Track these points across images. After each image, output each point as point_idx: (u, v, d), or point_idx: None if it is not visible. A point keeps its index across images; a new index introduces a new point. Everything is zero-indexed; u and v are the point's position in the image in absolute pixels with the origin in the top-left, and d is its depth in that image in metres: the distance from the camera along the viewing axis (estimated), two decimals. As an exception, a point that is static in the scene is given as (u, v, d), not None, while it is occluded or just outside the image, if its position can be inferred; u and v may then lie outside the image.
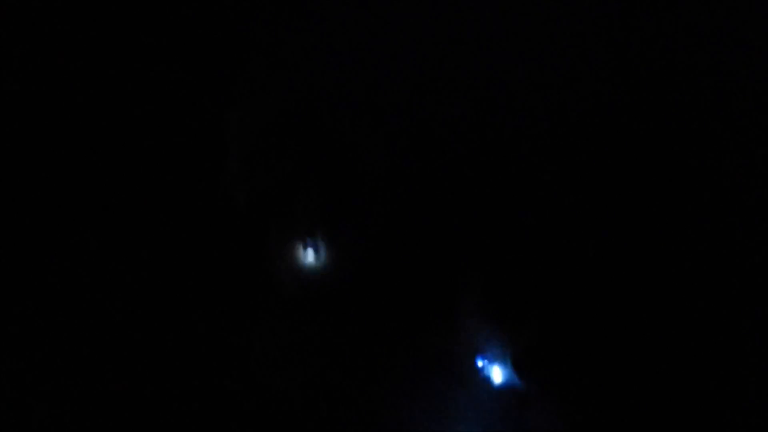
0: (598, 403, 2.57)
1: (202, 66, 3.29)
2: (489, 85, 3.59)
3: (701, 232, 3.22)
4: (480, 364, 2.44)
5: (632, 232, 3.41)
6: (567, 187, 3.48)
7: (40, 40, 3.54)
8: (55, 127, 3.26)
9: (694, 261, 3.32)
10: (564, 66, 3.82)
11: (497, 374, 2.42)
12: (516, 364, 2.44)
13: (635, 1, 4.09)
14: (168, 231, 2.93)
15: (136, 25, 3.55)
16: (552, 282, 2.81)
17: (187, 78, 3.28)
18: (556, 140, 3.51)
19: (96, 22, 3.62)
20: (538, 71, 3.79)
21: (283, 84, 3.11)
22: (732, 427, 2.55)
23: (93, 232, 2.99)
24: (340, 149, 2.61)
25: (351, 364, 2.58)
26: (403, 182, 2.91)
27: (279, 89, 2.80)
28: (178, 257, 2.83)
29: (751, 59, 3.92)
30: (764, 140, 3.58)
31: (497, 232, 2.89)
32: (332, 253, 2.56)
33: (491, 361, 2.43)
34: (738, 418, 2.56)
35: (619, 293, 3.04)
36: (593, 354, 2.66)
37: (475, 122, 3.49)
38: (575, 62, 3.86)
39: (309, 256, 2.47)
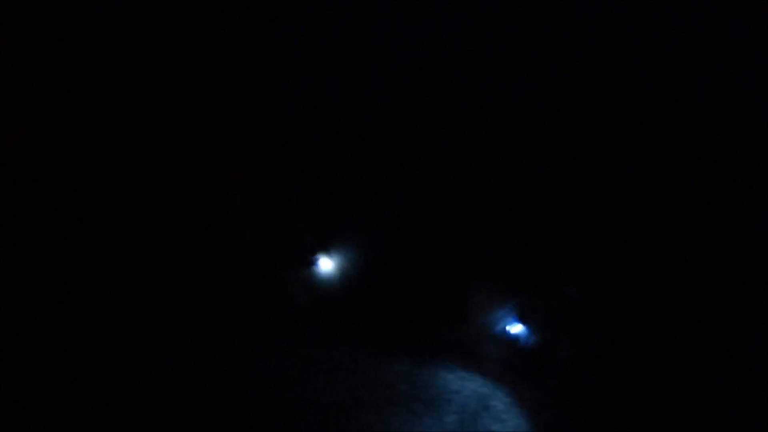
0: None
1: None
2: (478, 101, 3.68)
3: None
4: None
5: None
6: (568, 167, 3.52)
7: (51, 90, 3.79)
8: (58, 167, 3.36)
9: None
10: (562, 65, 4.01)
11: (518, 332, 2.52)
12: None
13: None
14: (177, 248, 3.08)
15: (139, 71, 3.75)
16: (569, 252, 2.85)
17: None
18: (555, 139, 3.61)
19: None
20: (537, 70, 4.00)
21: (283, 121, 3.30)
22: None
23: (99, 233, 3.15)
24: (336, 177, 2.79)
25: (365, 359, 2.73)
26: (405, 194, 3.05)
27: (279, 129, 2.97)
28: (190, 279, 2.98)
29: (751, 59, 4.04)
30: (763, 140, 3.57)
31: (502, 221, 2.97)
32: (339, 264, 2.74)
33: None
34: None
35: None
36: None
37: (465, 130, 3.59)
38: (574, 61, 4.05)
39: (317, 269, 2.65)
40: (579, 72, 3.79)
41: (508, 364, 2.64)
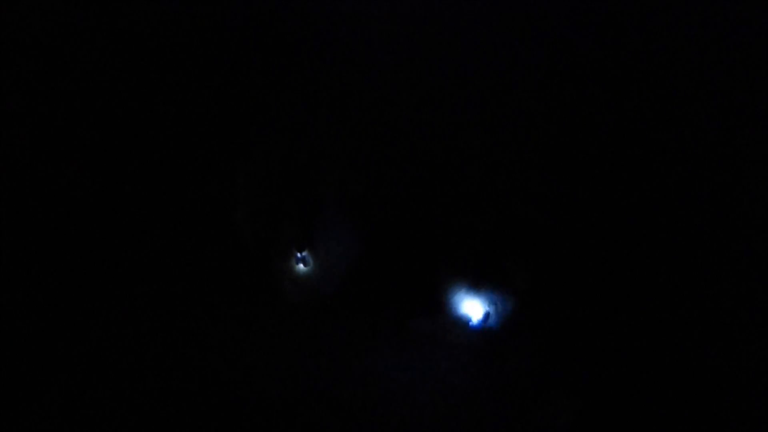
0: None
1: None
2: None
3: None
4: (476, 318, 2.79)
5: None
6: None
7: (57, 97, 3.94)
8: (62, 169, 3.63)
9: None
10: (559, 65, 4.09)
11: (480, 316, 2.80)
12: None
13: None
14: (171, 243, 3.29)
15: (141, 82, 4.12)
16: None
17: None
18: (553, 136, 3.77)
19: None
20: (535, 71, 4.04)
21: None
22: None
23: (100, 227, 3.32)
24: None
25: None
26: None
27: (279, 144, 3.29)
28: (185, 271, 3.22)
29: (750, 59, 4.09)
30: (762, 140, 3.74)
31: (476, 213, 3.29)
32: (321, 259, 3.03)
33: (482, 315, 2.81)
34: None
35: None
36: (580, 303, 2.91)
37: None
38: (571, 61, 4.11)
39: (301, 264, 2.94)
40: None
41: (474, 348, 2.91)
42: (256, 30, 4.22)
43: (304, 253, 2.94)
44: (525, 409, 2.65)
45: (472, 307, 2.75)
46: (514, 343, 2.76)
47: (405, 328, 3.05)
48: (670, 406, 2.73)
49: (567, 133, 3.82)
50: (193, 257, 3.30)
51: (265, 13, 4.31)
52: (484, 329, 2.78)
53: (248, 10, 4.38)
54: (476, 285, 2.78)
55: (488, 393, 2.75)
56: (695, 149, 3.72)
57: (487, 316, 2.72)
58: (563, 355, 2.76)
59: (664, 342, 2.94)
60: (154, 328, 2.99)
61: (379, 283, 3.11)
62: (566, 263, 2.99)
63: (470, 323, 2.74)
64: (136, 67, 4.06)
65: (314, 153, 3.21)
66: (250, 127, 3.63)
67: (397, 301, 3.09)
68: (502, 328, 2.76)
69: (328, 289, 3.00)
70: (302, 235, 2.95)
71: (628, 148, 3.74)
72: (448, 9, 4.26)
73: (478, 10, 4.27)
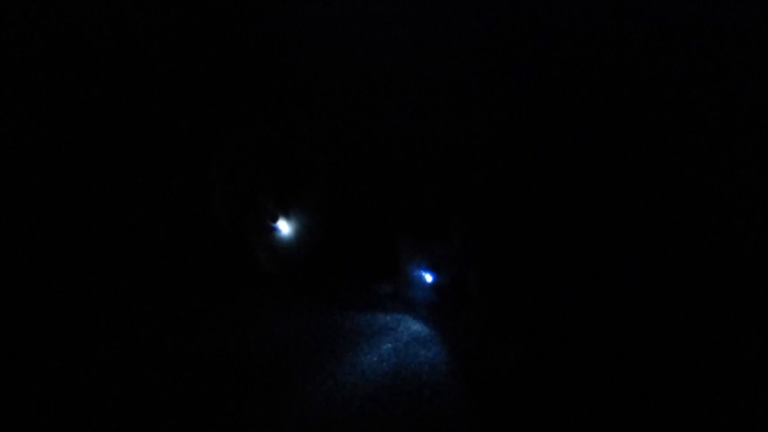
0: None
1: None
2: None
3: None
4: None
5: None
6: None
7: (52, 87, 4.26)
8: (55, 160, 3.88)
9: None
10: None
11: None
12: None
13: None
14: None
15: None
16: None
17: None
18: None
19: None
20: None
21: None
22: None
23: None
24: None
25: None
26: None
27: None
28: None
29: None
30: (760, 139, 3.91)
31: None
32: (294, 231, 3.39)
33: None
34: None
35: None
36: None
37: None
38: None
39: (279, 237, 3.30)
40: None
41: (431, 306, 3.30)
42: (230, 18, 4.60)
43: (276, 224, 3.30)
44: (475, 353, 3.02)
45: (428, 270, 3.13)
46: (461, 298, 3.15)
47: (370, 289, 3.45)
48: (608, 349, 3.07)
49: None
50: (171, 237, 3.63)
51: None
52: (438, 287, 3.16)
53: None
54: (429, 249, 3.16)
55: (444, 337, 3.13)
56: (694, 148, 4.03)
57: (439, 276, 3.11)
58: (508, 306, 3.14)
59: (610, 281, 3.30)
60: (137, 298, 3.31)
61: (344, 251, 3.49)
62: (516, 221, 3.40)
63: (426, 282, 3.13)
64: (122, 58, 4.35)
65: (288, 136, 3.59)
66: (228, 112, 4.01)
67: (362, 266, 3.48)
68: (451, 285, 3.15)
69: (300, 257, 3.36)
70: (276, 207, 3.30)
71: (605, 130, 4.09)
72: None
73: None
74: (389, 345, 3.19)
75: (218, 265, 3.53)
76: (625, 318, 3.23)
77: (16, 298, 3.20)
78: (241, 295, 3.41)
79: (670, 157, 4.02)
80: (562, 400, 2.89)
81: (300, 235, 3.35)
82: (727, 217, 3.66)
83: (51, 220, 3.64)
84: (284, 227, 3.31)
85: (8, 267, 3.36)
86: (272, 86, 4.35)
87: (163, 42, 4.72)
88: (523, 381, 2.99)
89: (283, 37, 4.56)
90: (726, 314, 3.21)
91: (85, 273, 3.40)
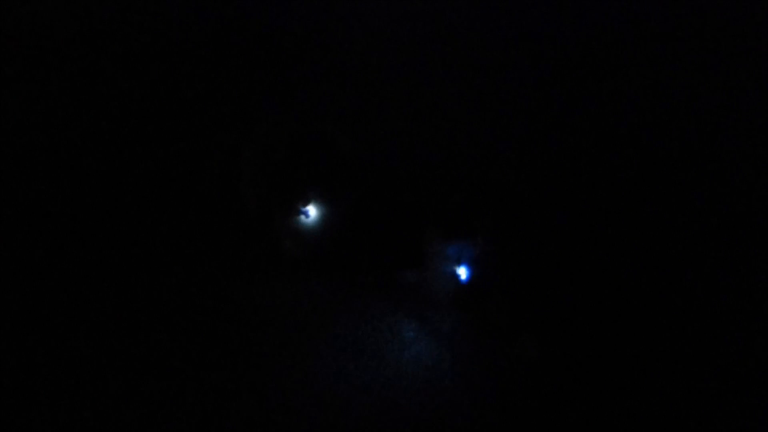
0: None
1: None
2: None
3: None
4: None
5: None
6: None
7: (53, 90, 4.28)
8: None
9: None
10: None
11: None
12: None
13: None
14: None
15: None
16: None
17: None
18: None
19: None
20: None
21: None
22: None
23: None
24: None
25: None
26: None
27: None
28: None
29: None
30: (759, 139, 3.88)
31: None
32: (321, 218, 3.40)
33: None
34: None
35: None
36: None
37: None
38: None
39: (303, 221, 3.31)
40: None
41: (455, 298, 3.30)
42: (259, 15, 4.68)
43: (306, 209, 3.32)
44: (498, 348, 3.01)
45: (457, 262, 3.13)
46: (486, 292, 3.14)
47: (393, 278, 3.45)
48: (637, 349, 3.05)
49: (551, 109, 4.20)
50: (197, 220, 3.67)
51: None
52: (461, 280, 3.15)
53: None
54: (459, 239, 3.16)
55: (469, 331, 3.13)
56: (693, 148, 4.03)
57: (469, 269, 3.10)
58: (531, 301, 3.12)
59: (637, 287, 3.29)
60: (156, 286, 3.32)
61: (371, 238, 3.50)
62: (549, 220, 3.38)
63: (454, 276, 3.12)
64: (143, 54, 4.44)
65: (316, 121, 3.61)
66: (257, 101, 4.06)
67: (387, 254, 3.49)
68: (483, 279, 3.14)
69: (326, 243, 3.38)
70: (304, 193, 3.32)
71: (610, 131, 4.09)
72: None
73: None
74: (411, 334, 3.19)
75: (242, 250, 3.55)
76: (650, 318, 3.20)
77: (39, 277, 3.28)
78: (263, 279, 3.43)
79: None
80: (582, 395, 2.86)
81: (328, 221, 3.37)
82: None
83: (64, 210, 3.69)
84: (313, 211, 3.32)
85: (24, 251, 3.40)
86: (310, 73, 4.39)
87: (198, 32, 4.79)
88: (545, 376, 2.97)
89: (325, 25, 4.62)
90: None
91: (107, 256, 3.45)
